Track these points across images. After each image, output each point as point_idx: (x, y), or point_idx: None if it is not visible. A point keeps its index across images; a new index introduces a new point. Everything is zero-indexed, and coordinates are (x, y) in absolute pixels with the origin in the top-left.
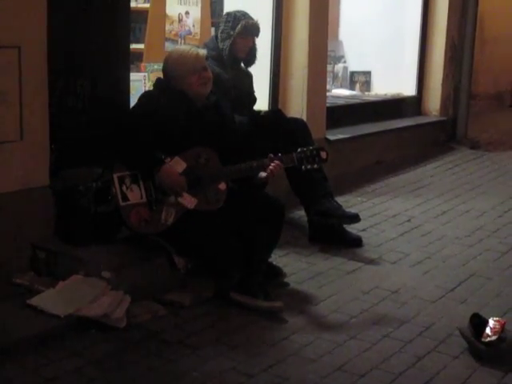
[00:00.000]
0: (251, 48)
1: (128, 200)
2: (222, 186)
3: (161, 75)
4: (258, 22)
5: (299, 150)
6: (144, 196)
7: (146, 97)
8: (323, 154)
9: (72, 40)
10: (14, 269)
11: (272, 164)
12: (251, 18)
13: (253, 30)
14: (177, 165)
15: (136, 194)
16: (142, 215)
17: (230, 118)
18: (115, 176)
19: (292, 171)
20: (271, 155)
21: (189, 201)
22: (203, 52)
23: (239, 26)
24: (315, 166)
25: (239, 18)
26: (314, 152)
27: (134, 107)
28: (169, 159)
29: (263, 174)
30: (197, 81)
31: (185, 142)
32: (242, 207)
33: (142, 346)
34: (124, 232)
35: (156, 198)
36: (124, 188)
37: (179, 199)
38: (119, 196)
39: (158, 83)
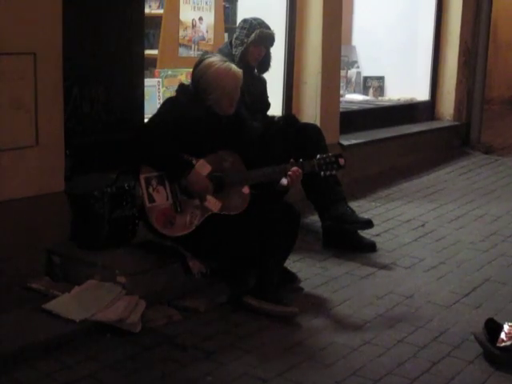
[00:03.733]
0: (264, 56)
1: (154, 201)
2: (246, 189)
3: (174, 81)
4: (274, 31)
5: (318, 156)
6: (170, 198)
7: (170, 103)
8: (341, 161)
9: (87, 46)
10: (30, 274)
11: (291, 170)
12: (267, 27)
13: (267, 39)
14: (202, 168)
15: (162, 196)
16: (168, 217)
17: (249, 128)
18: (142, 177)
19: (306, 177)
20: (293, 160)
21: (213, 204)
22: (240, 73)
23: (253, 34)
24: (333, 172)
25: (255, 26)
26: (333, 159)
27: (158, 112)
28: (194, 161)
29: (284, 181)
30: (228, 104)
31: (208, 147)
32: (259, 213)
33: (157, 351)
34: (139, 237)
35: (181, 200)
36: (150, 189)
37: (204, 202)
38: (146, 197)
39: (183, 91)
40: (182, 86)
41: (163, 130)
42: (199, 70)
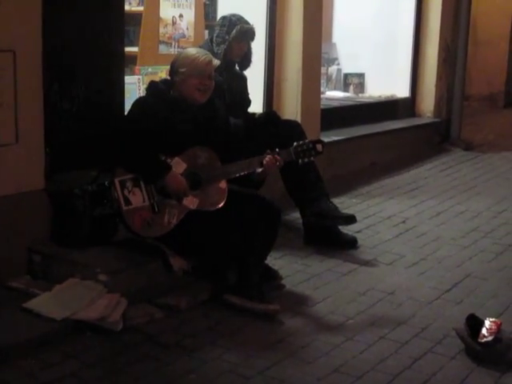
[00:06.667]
0: (246, 52)
1: (131, 204)
2: (223, 184)
3: (154, 78)
4: (254, 26)
5: (295, 144)
6: (146, 199)
7: (139, 103)
8: (319, 147)
9: (67, 43)
10: (10, 272)
11: (266, 159)
12: (247, 23)
13: (248, 34)
14: (177, 166)
15: (138, 198)
16: (146, 218)
17: (223, 117)
18: (116, 180)
19: (287, 172)
20: (268, 151)
21: (190, 201)
22: (216, 62)
23: (234, 30)
24: (311, 158)
25: (234, 22)
26: (310, 145)
27: (128, 114)
28: (169, 160)
29: (259, 170)
30: (197, 84)
31: (182, 144)
32: (239, 210)
33: (139, 349)
34: (120, 235)
35: (157, 200)
36: (126, 192)
37: (181, 201)
38: (122, 200)
39: (152, 88)
40: (151, 84)
41: (136, 133)
42: (179, 54)
